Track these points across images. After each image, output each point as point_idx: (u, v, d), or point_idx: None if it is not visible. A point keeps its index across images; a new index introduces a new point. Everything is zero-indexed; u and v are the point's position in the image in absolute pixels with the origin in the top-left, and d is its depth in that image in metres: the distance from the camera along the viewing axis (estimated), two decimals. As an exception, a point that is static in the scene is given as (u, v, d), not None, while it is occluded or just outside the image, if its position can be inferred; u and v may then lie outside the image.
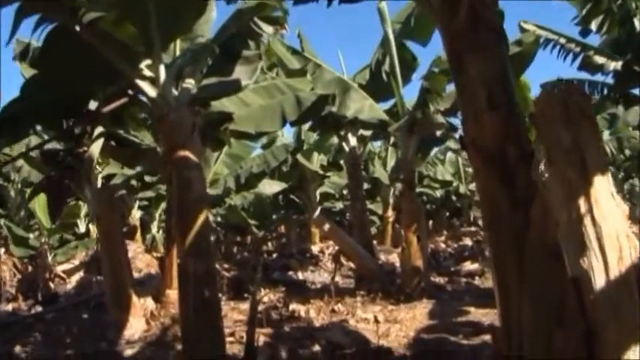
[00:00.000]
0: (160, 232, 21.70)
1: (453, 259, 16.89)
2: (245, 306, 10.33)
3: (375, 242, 19.91)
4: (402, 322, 8.35)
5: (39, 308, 9.89)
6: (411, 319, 8.57)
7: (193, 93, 6.04)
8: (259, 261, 10.34)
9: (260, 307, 9.86)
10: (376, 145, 23.34)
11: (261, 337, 7.71)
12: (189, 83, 6.09)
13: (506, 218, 3.19)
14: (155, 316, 8.52)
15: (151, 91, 5.88)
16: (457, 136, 11.99)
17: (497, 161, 3.17)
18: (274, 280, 12.76)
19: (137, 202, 19.69)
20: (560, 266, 3.06)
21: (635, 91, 10.22)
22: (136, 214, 19.78)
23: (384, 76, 11.30)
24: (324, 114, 11.29)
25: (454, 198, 25.22)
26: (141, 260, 13.15)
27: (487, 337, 7.18)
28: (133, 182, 16.12)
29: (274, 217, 19.29)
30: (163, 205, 21.63)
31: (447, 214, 28.62)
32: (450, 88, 10.03)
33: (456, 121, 10.59)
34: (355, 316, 8.66)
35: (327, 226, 11.55)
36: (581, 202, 3.12)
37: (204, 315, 5.40)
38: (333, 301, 9.54)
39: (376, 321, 8.44)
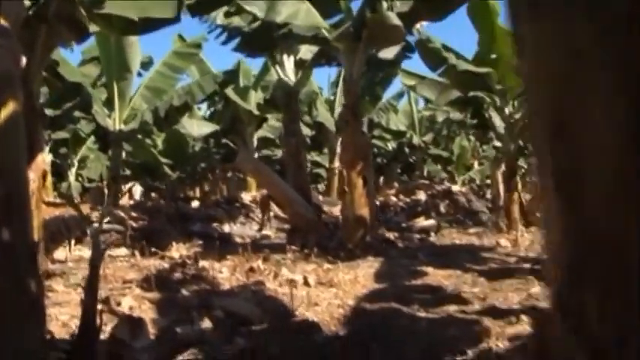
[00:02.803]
0: (79, 179, 19.28)
1: (404, 214, 15.06)
2: (149, 262, 8.29)
3: (320, 197, 17.98)
4: (338, 286, 6.34)
5: None
6: (352, 281, 6.57)
7: None
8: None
9: (165, 265, 7.88)
10: (324, 88, 21.32)
11: (145, 304, 5.65)
12: None
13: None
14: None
15: None
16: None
17: None
18: (193, 232, 10.62)
19: (48, 144, 17.18)
20: None
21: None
22: (47, 157, 17.27)
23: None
24: (251, 29, 9.14)
25: (407, 150, 23.29)
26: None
27: (453, 308, 5.26)
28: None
29: (202, 164, 17.03)
30: (83, 150, 19.24)
31: (398, 170, 26.71)
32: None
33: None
34: (279, 276, 6.60)
35: (251, 165, 9.37)
36: None
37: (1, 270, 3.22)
38: (252, 257, 7.46)
39: (305, 283, 6.42)
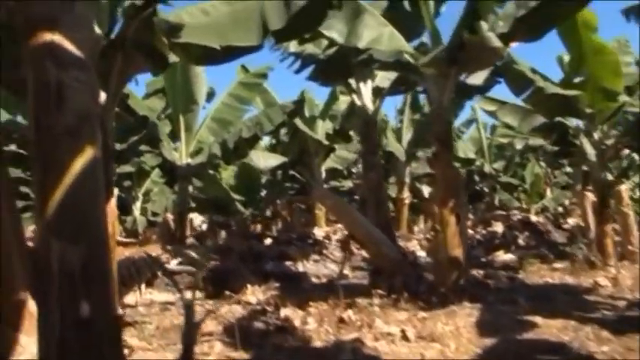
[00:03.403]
0: (143, 213, 18.96)
1: (482, 247, 14.20)
2: (226, 308, 7.69)
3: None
4: (441, 340, 5.60)
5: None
6: (454, 334, 5.83)
7: None
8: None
9: (243, 312, 7.28)
10: (390, 117, 20.63)
11: (230, 365, 5.04)
12: None
13: None
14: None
15: None
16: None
17: None
18: (267, 272, 10.01)
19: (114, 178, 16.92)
20: None
21: None
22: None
23: (407, 5, 8.50)
24: (326, 55, 8.59)
25: (477, 179, 22.28)
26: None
27: (589, 375, 4.48)
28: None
29: (266, 194, 16.40)
30: (148, 183, 18.95)
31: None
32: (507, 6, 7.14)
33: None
34: (373, 328, 5.92)
35: (330, 201, 8.70)
36: None
37: (77, 351, 2.66)
38: (341, 305, 6.78)
39: (404, 337, 5.71)
